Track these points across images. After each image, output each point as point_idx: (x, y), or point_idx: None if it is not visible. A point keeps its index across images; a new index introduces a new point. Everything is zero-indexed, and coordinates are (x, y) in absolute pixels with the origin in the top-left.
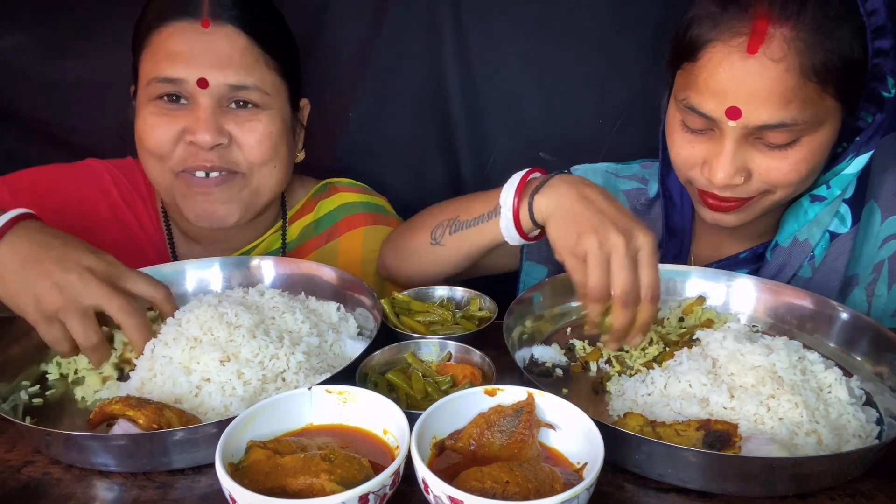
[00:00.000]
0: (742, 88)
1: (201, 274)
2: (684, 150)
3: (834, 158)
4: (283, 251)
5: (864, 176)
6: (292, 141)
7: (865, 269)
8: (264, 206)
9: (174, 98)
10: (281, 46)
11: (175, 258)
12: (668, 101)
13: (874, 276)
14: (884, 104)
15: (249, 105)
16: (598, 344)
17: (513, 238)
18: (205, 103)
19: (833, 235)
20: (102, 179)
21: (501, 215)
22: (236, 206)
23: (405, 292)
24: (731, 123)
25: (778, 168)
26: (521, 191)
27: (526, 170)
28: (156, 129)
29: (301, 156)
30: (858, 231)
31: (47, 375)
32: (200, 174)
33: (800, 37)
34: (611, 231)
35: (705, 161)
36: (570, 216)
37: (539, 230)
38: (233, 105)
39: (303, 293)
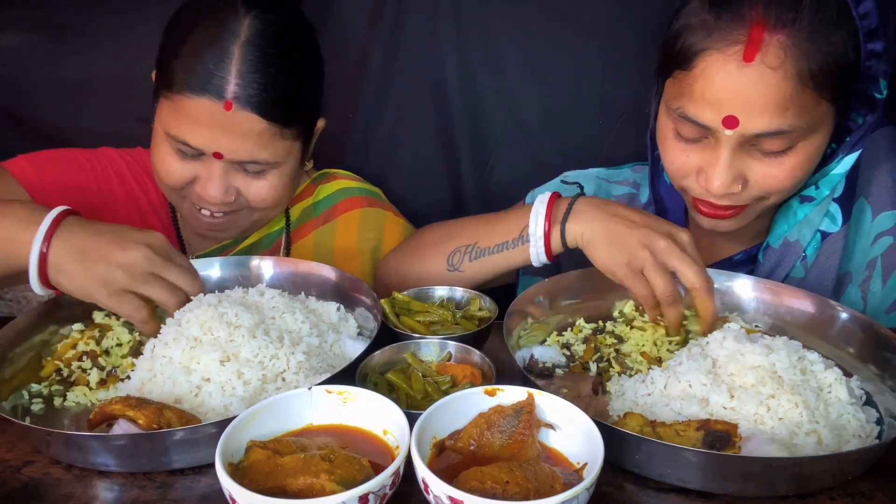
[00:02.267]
0: (739, 97)
1: (201, 274)
2: (678, 159)
3: (825, 159)
4: (287, 233)
5: (853, 173)
6: (299, 174)
7: (859, 267)
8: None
9: (189, 154)
10: (300, 114)
11: (180, 239)
12: (657, 107)
13: (868, 273)
14: (875, 105)
15: (258, 172)
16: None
17: (541, 262)
18: (217, 167)
19: (824, 235)
20: (116, 163)
21: (531, 243)
22: (237, 231)
23: (405, 292)
24: (728, 132)
25: (774, 175)
26: (549, 217)
27: (548, 194)
28: (171, 173)
29: (309, 165)
30: (850, 229)
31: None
32: (206, 212)
33: (796, 43)
34: (657, 239)
35: (701, 170)
36: (611, 238)
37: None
38: (243, 169)
39: (303, 293)
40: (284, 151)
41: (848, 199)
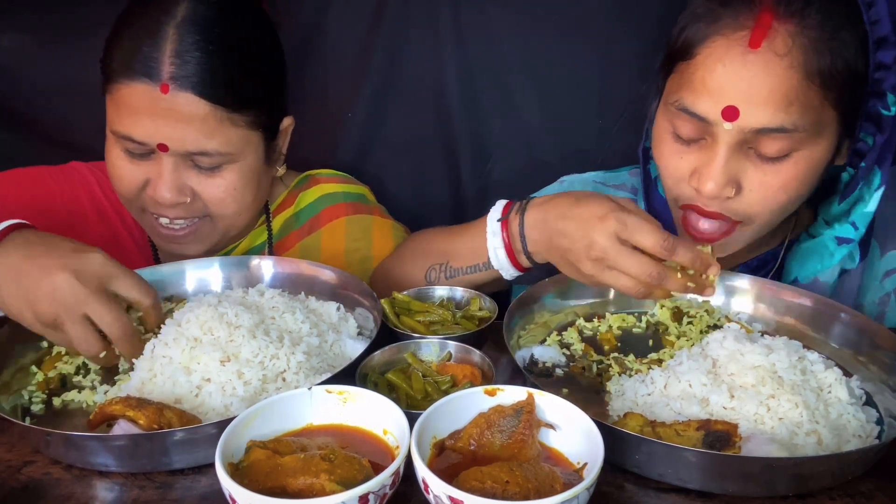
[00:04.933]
0: (741, 86)
1: (201, 274)
2: (672, 161)
3: (832, 183)
4: (270, 246)
5: None
6: (265, 177)
7: (871, 303)
8: (232, 238)
9: (138, 154)
10: (252, 98)
11: (156, 257)
12: (654, 112)
13: (881, 310)
14: (882, 123)
15: (211, 167)
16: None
17: (513, 276)
18: (166, 161)
19: (844, 271)
20: (87, 180)
21: (501, 269)
22: (202, 245)
23: (405, 292)
24: (727, 125)
25: (769, 184)
26: (510, 248)
27: (495, 221)
28: (123, 178)
29: (281, 170)
30: (865, 266)
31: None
32: (165, 220)
33: (804, 33)
34: (581, 261)
35: (695, 171)
36: (560, 261)
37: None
38: (195, 165)
39: (303, 293)
40: (238, 142)
41: (867, 237)
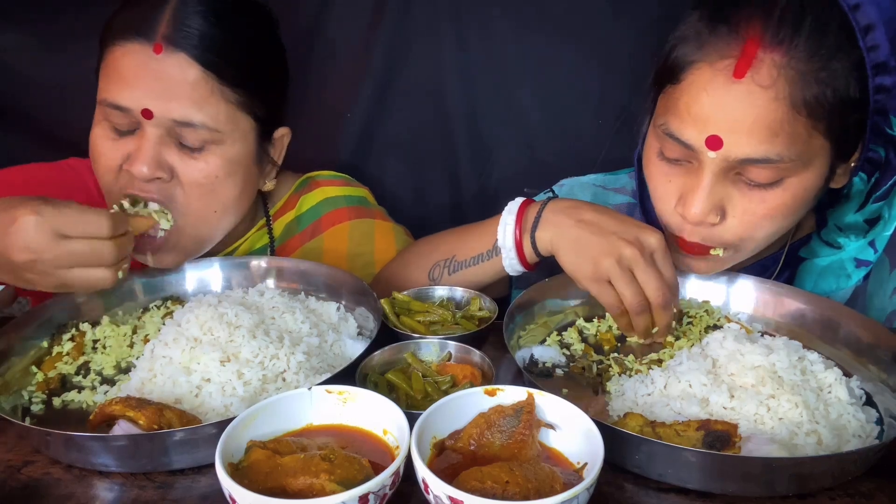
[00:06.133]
0: (725, 116)
1: (201, 274)
2: (661, 185)
3: (837, 198)
4: (272, 250)
5: None
6: (251, 181)
7: (879, 318)
8: (211, 246)
9: (122, 130)
10: (250, 76)
11: None
12: (647, 128)
13: (890, 325)
14: (891, 141)
15: (196, 145)
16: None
17: (516, 271)
18: (149, 133)
19: (855, 288)
20: (83, 177)
21: (503, 255)
22: (177, 255)
23: (405, 292)
24: (711, 154)
25: (754, 212)
26: (520, 225)
27: (518, 202)
28: (104, 156)
29: (270, 185)
30: (871, 280)
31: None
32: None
33: (791, 64)
34: (622, 246)
35: (681, 196)
36: (577, 246)
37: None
38: (179, 141)
39: (302, 293)
40: (227, 121)
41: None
